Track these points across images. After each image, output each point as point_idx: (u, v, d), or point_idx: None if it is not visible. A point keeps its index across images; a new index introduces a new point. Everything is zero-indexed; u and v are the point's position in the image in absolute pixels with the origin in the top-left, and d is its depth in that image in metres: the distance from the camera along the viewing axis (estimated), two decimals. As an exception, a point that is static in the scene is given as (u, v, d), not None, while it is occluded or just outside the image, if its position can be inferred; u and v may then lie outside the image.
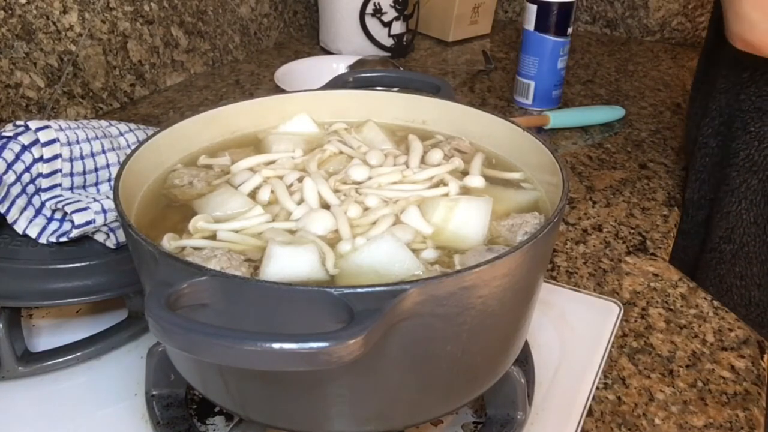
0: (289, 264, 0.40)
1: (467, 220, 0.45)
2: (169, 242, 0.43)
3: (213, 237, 0.44)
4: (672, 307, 0.64)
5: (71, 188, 0.55)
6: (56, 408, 0.51)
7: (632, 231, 0.76)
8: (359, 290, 0.33)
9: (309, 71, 1.09)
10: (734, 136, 0.75)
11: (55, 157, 0.54)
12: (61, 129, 0.54)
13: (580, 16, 1.50)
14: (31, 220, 0.53)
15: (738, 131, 0.74)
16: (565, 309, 0.62)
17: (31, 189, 0.53)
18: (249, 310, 0.35)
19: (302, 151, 0.54)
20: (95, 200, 0.53)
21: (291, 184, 0.50)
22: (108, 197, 0.54)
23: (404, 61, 1.28)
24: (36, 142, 0.53)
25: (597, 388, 0.54)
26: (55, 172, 0.54)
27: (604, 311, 0.63)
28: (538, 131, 0.99)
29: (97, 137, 0.57)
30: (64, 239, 0.52)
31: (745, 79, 0.74)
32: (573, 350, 0.57)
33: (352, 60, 1.14)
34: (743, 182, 0.75)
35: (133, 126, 0.62)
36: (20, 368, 0.52)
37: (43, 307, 0.59)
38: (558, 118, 0.99)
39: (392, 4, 1.22)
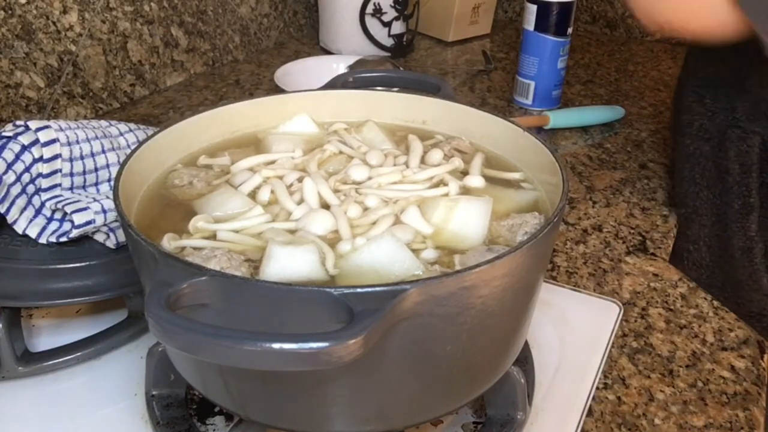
0: (289, 264, 0.40)
1: (467, 220, 0.45)
2: (169, 242, 0.43)
3: (213, 237, 0.44)
4: (672, 307, 0.64)
5: (71, 188, 0.55)
6: (56, 408, 0.51)
7: (632, 231, 0.76)
8: (359, 290, 0.33)
9: (309, 71, 1.09)
10: (687, 109, 0.79)
11: (55, 157, 0.54)
12: (61, 129, 0.54)
13: (580, 16, 1.50)
14: (31, 220, 0.53)
15: (693, 104, 0.79)
16: (565, 309, 0.62)
17: (31, 189, 0.53)
18: (249, 310, 0.35)
19: (302, 151, 0.54)
20: (95, 200, 0.53)
21: (291, 184, 0.50)
22: (108, 197, 0.54)
23: (404, 61, 1.28)
24: (36, 142, 0.53)
25: (597, 388, 0.54)
26: (54, 172, 0.54)
27: (604, 311, 0.63)
28: (538, 131, 0.99)
29: (97, 137, 0.57)
30: (64, 239, 0.52)
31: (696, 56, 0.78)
32: (573, 350, 0.57)
33: (352, 60, 1.14)
34: (696, 149, 0.78)
35: (133, 126, 0.62)
36: (20, 368, 0.52)
37: (43, 307, 0.59)
38: (558, 118, 0.99)
39: (392, 4, 1.22)
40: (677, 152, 0.83)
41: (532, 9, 1.00)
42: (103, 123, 0.60)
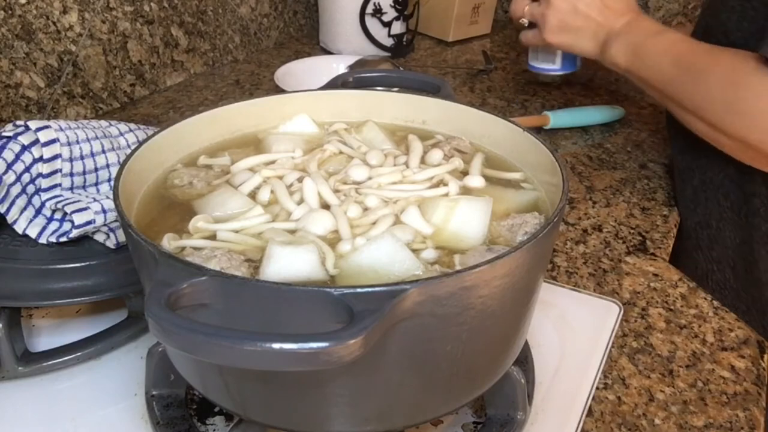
0: (289, 264, 0.40)
1: (467, 220, 0.45)
2: (169, 242, 0.43)
3: (213, 237, 0.44)
4: (672, 307, 0.64)
5: (71, 188, 0.55)
6: (56, 408, 0.51)
7: (632, 231, 0.76)
8: (359, 290, 0.33)
9: (309, 71, 1.09)
10: None
11: (55, 157, 0.54)
12: (61, 129, 0.54)
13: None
14: (31, 220, 0.53)
15: None
16: (565, 309, 0.62)
17: (31, 189, 0.53)
18: (249, 310, 0.35)
19: (302, 151, 0.54)
20: (95, 200, 0.53)
21: (291, 184, 0.50)
22: (108, 197, 0.54)
23: (404, 61, 1.28)
24: (36, 142, 0.53)
25: (597, 388, 0.54)
26: (54, 172, 0.54)
27: (604, 311, 0.63)
28: (538, 131, 0.98)
29: (97, 137, 0.57)
30: (64, 239, 0.52)
31: None
32: (573, 350, 0.57)
33: (352, 60, 1.14)
34: (721, 170, 0.76)
35: (133, 126, 0.62)
36: (20, 368, 0.52)
37: (43, 307, 0.59)
38: (558, 118, 0.99)
39: (392, 4, 1.22)
40: (691, 168, 0.79)
41: None
42: (103, 123, 0.60)
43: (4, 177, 0.51)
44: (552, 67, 0.98)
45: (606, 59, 0.79)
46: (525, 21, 0.88)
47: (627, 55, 0.75)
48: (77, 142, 0.55)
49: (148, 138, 0.49)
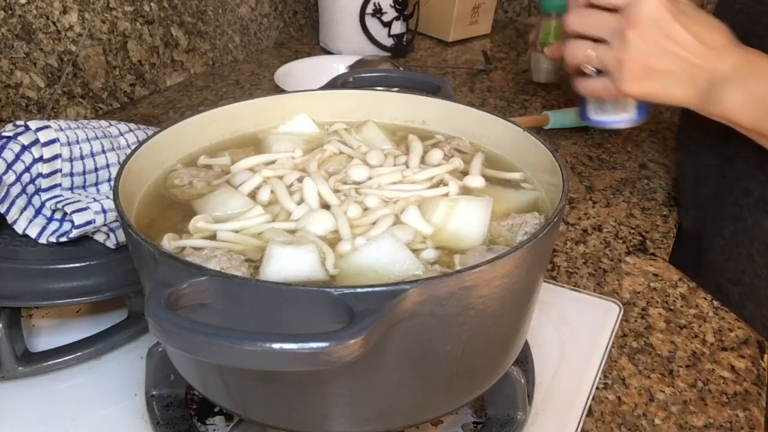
0: (289, 264, 0.40)
1: (467, 220, 0.45)
2: (169, 242, 0.43)
3: (213, 237, 0.44)
4: (672, 307, 0.64)
5: (71, 188, 0.55)
6: (56, 408, 0.51)
7: (632, 231, 0.76)
8: (359, 290, 0.33)
9: (309, 71, 1.09)
10: (744, 176, 0.68)
11: (55, 157, 0.54)
12: (61, 129, 0.54)
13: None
14: (31, 220, 0.53)
15: (752, 171, 0.68)
16: (565, 309, 0.62)
17: (31, 189, 0.53)
18: (249, 310, 0.35)
19: (302, 151, 0.54)
20: (95, 200, 0.53)
21: (291, 184, 0.50)
22: (108, 197, 0.54)
23: (404, 61, 1.28)
24: (36, 142, 0.53)
25: (597, 388, 0.54)
26: (54, 172, 0.54)
27: (604, 311, 0.63)
28: (538, 131, 0.98)
29: (97, 137, 0.57)
30: (64, 239, 0.52)
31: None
32: (573, 350, 0.57)
33: (352, 60, 1.14)
34: (755, 223, 0.70)
35: (133, 126, 0.62)
36: (20, 368, 0.52)
37: (43, 307, 0.59)
38: (558, 118, 0.99)
39: (392, 4, 1.22)
40: (722, 220, 0.74)
41: None
42: (103, 123, 0.60)
43: (4, 177, 0.51)
44: (624, 118, 0.74)
45: (713, 110, 0.62)
46: (592, 69, 0.67)
47: (751, 109, 0.60)
48: (77, 142, 0.55)
49: (148, 138, 0.49)
